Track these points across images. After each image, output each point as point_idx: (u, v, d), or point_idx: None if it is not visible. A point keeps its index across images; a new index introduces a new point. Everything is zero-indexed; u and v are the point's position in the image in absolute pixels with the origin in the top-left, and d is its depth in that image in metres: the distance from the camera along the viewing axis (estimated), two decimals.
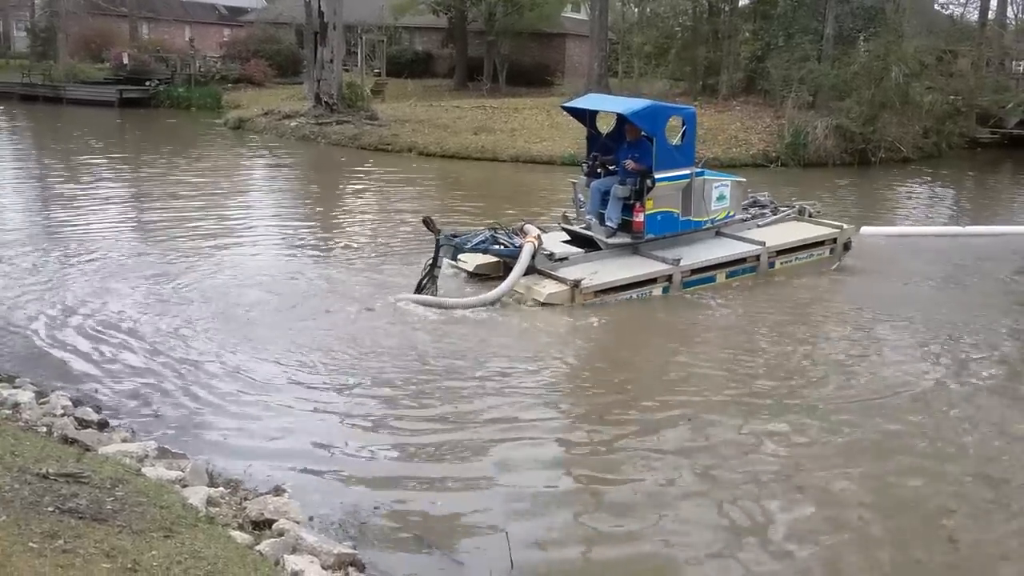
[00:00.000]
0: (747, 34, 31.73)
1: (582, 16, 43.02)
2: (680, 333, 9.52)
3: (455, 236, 10.16)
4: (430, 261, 10.06)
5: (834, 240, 12.16)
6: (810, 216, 12.86)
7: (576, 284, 9.82)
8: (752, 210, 12.69)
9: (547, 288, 9.86)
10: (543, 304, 9.71)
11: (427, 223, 10.10)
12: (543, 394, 7.54)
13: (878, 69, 25.69)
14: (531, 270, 10.04)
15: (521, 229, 10.44)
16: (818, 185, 21.36)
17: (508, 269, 10.07)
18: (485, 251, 10.30)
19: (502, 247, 10.21)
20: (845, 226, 12.46)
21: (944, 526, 5.54)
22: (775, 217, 12.65)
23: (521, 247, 10.01)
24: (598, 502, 5.75)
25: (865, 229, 14.42)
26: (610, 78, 33.83)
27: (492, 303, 9.64)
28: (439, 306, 9.56)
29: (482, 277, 10.67)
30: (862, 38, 28.17)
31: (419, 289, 9.92)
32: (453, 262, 10.50)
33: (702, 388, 7.74)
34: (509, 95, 35.01)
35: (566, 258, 10.52)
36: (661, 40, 32.78)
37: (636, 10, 36.73)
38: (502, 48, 39.46)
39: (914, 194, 21.79)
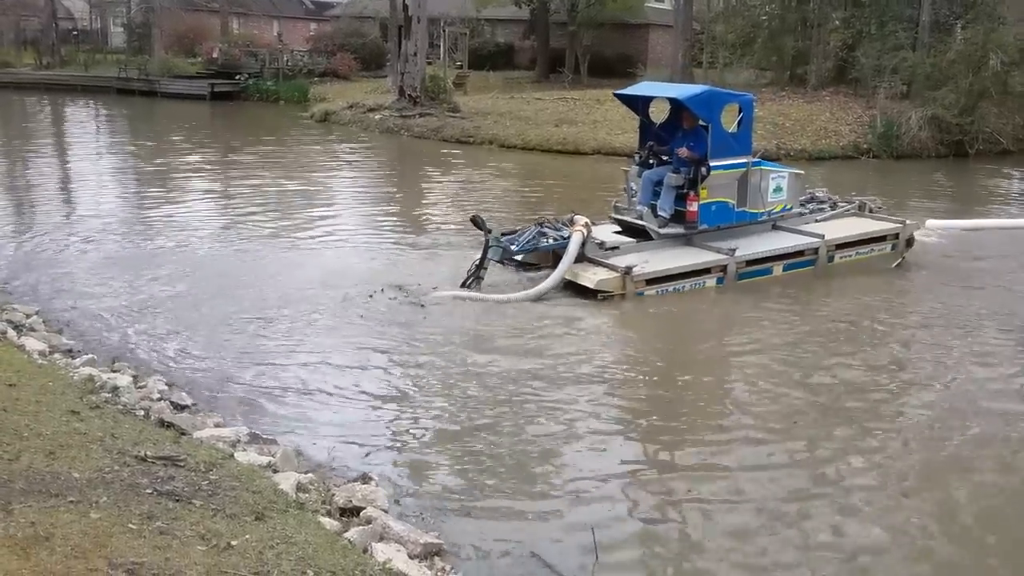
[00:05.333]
0: (837, 22, 30.81)
1: (666, 6, 42.47)
2: (740, 332, 9.08)
3: (504, 235, 10.09)
4: (477, 261, 9.96)
5: (896, 235, 11.69)
6: (871, 212, 12.39)
7: (627, 271, 9.61)
8: (810, 206, 12.25)
9: (598, 275, 9.68)
10: (597, 292, 9.53)
11: (476, 222, 10.04)
12: (616, 388, 7.48)
13: (976, 57, 24.67)
14: (581, 258, 9.86)
15: (570, 220, 10.25)
16: (912, 178, 20.69)
17: (558, 259, 9.92)
18: (535, 249, 10.18)
19: (550, 241, 10.08)
20: (908, 221, 11.98)
21: None
22: (834, 212, 12.19)
23: (570, 237, 9.87)
24: (687, 502, 5.66)
25: (931, 222, 13.78)
26: (694, 68, 33.31)
27: (539, 297, 9.52)
28: (485, 300, 9.44)
29: (532, 267, 10.51)
30: (959, 25, 27.12)
31: (463, 287, 9.77)
32: (500, 263, 10.20)
33: (773, 396, 7.49)
34: (591, 87, 34.75)
35: (617, 247, 10.31)
36: (747, 29, 32.07)
37: None
38: (584, 39, 39.17)
39: (1014, 187, 20.88)
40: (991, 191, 20.37)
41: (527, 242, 10.10)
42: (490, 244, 9.87)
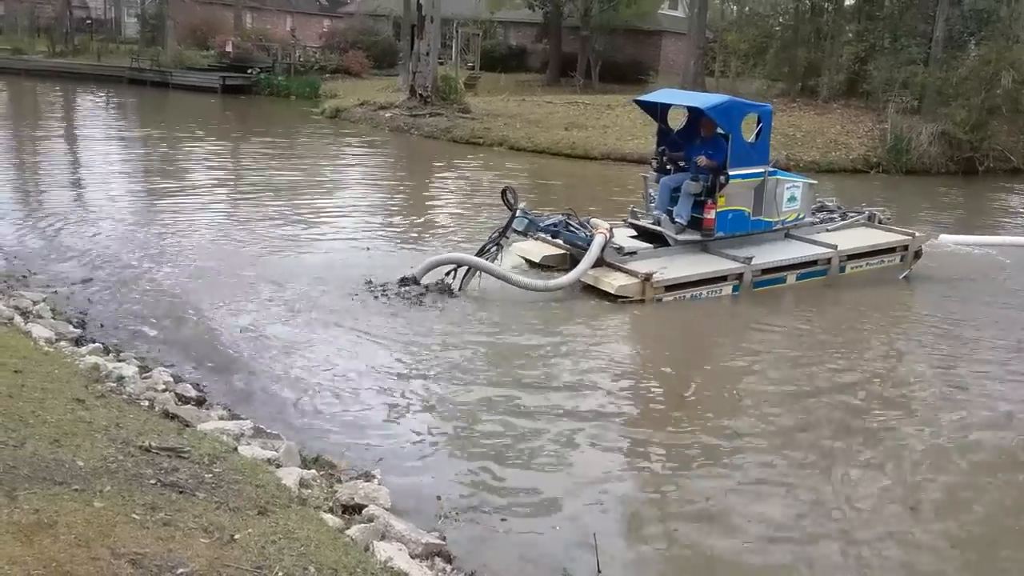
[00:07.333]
0: (850, 35, 30.78)
1: (679, 13, 42.50)
2: (752, 340, 9.08)
3: (531, 213, 10.21)
4: (500, 229, 10.06)
5: (905, 247, 11.78)
6: (880, 223, 12.47)
7: (647, 277, 9.69)
8: (820, 215, 12.35)
9: (618, 280, 9.77)
10: (615, 296, 9.62)
11: (505, 196, 10.08)
12: (626, 393, 7.47)
13: (988, 74, 24.62)
14: (599, 262, 9.96)
15: (588, 222, 10.33)
16: (920, 193, 20.65)
17: (574, 262, 10.01)
18: (555, 234, 10.28)
19: (572, 234, 10.17)
20: (917, 233, 12.10)
21: None
22: (844, 222, 12.31)
23: (591, 238, 9.94)
24: (688, 510, 5.65)
25: (945, 237, 13.79)
26: (706, 77, 33.28)
27: (557, 290, 9.65)
28: (504, 278, 9.57)
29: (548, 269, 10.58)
30: (973, 42, 27.06)
31: (482, 252, 9.94)
32: (523, 235, 10.39)
33: (783, 407, 7.50)
34: (602, 92, 34.78)
35: (635, 252, 10.40)
36: (760, 39, 32.05)
37: (735, 8, 35.99)
38: (596, 44, 39.19)
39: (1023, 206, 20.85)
40: (1000, 208, 20.33)
41: (552, 224, 10.18)
42: (516, 215, 9.96)
